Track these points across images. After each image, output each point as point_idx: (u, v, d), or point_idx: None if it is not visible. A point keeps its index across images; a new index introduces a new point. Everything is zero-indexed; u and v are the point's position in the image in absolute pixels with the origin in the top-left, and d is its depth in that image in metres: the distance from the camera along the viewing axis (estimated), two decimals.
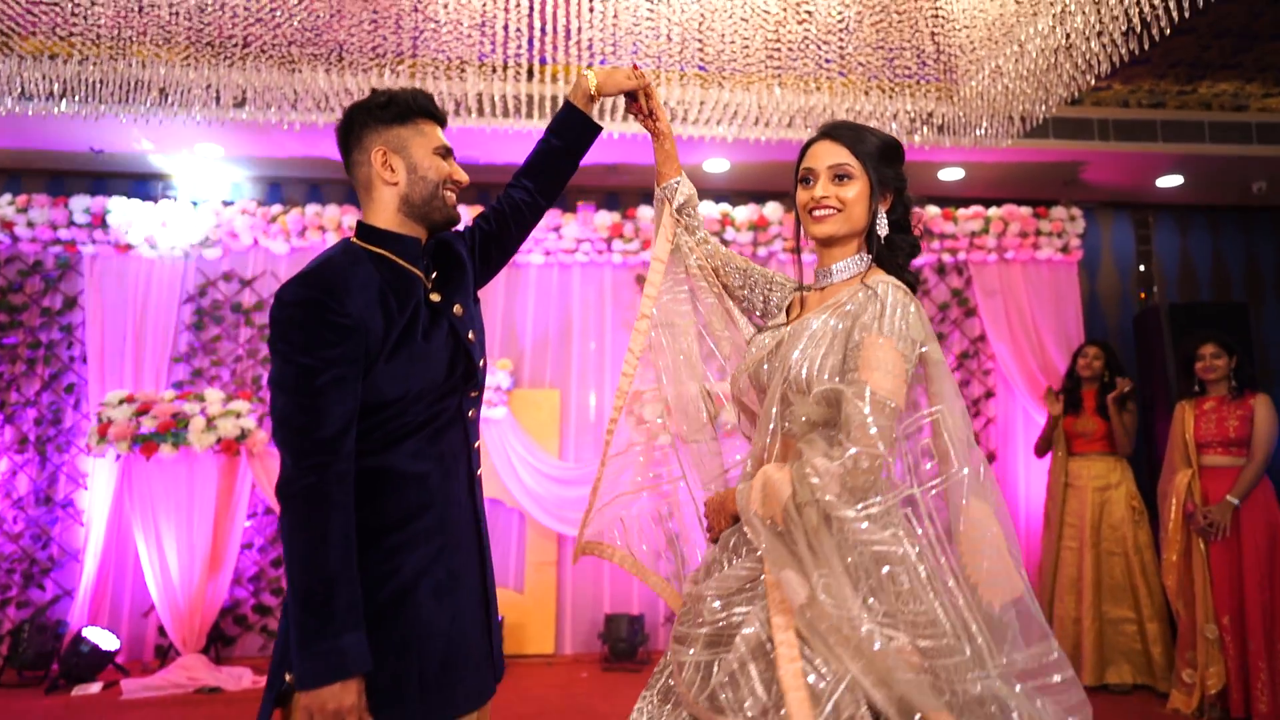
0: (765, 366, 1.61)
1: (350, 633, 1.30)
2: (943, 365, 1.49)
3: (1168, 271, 5.98)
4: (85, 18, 3.30)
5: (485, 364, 1.64)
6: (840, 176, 1.58)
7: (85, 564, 4.60)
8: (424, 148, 1.55)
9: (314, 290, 1.38)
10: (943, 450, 1.45)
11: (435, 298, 1.56)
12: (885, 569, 1.37)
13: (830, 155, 1.60)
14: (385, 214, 1.55)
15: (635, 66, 1.87)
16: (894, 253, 1.62)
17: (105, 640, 4.31)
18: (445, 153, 1.58)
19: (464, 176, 1.61)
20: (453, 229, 1.67)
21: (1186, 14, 2.57)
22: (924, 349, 1.47)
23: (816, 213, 1.60)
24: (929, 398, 1.49)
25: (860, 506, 1.37)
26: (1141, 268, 5.95)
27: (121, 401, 4.28)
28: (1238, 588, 3.66)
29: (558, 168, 1.86)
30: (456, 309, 1.57)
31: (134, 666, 4.54)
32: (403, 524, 1.43)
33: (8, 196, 4.85)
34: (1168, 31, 2.65)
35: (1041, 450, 4.64)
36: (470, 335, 1.58)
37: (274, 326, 1.39)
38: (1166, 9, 2.62)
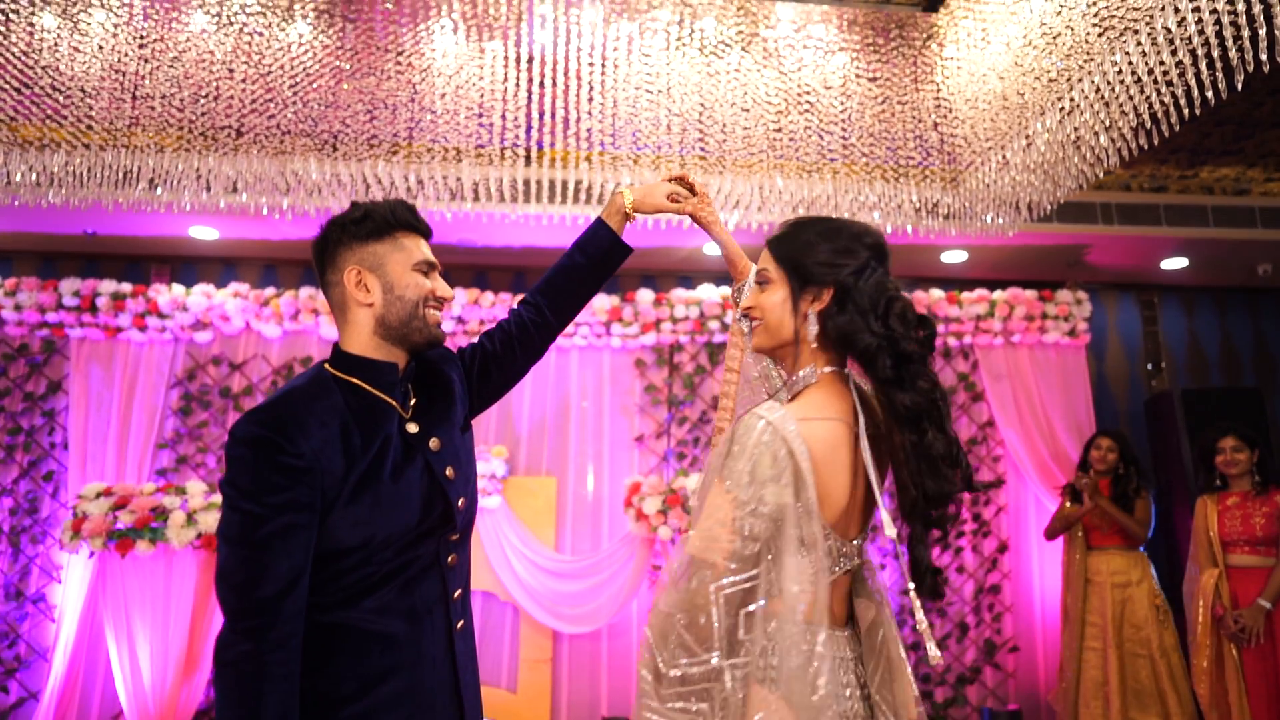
0: None
1: None
2: (786, 515, 1.22)
3: (1176, 354, 5.88)
4: (76, 107, 3.26)
5: (470, 502, 1.48)
6: (761, 283, 1.41)
7: (54, 663, 4.35)
8: (402, 264, 1.43)
9: (265, 427, 1.26)
10: (757, 623, 1.23)
11: (412, 428, 1.42)
12: None
13: (759, 261, 1.45)
14: (360, 338, 1.43)
15: (675, 198, 1.72)
16: (867, 358, 1.30)
17: None
18: (428, 268, 1.46)
19: (448, 293, 1.49)
20: (440, 349, 1.54)
21: (1198, 110, 2.52)
22: (763, 493, 1.20)
23: (749, 325, 1.46)
24: (769, 557, 1.24)
25: (663, 666, 1.20)
26: (1149, 349, 5.85)
27: (99, 494, 4.11)
28: (1277, 697, 3.44)
29: (578, 286, 1.70)
30: (433, 443, 1.43)
31: None
32: (363, 692, 1.27)
33: None
34: (1178, 128, 2.60)
35: (1052, 534, 4.43)
36: (449, 471, 1.43)
37: (226, 465, 1.27)
38: (1176, 105, 2.57)
